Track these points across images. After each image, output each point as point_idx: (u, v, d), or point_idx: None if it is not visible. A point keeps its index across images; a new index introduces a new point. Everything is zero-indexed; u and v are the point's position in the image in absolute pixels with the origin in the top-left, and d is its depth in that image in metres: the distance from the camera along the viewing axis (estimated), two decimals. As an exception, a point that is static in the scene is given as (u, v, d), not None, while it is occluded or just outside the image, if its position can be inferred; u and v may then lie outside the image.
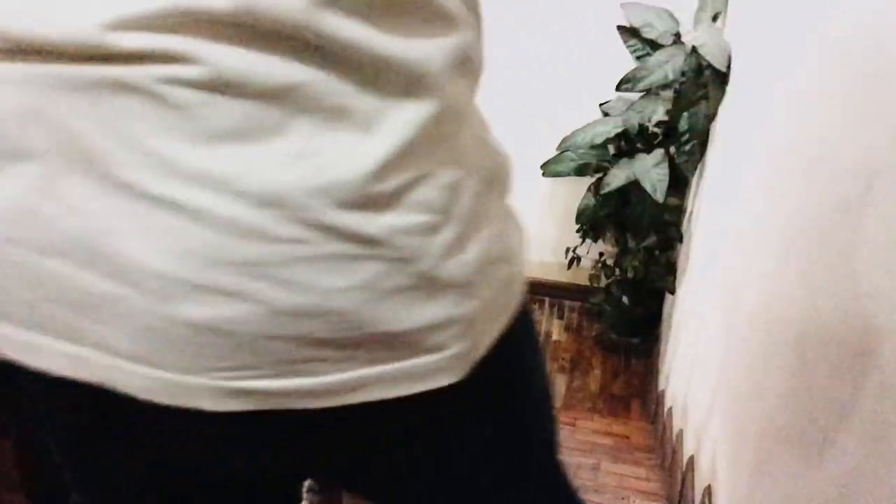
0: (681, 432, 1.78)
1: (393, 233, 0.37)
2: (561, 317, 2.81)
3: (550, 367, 2.53)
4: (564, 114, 2.29)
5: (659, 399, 2.20)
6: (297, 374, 0.38)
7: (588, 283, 2.57)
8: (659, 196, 1.99)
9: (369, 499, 0.56)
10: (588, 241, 2.43)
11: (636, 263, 2.28)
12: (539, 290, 2.76)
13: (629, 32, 2.19)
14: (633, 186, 2.09)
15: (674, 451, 1.81)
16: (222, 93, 0.33)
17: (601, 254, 2.53)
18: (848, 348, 0.81)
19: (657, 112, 2.10)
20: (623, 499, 1.75)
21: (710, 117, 1.91)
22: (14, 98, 0.34)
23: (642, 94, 2.13)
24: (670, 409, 1.99)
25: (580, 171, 2.28)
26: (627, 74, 2.04)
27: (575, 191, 2.38)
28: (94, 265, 0.36)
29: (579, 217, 2.34)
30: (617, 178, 2.09)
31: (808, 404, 0.92)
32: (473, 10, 0.41)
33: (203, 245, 0.35)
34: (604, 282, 2.53)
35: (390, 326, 0.38)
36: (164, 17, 0.32)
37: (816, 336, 0.91)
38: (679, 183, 2.13)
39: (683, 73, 1.93)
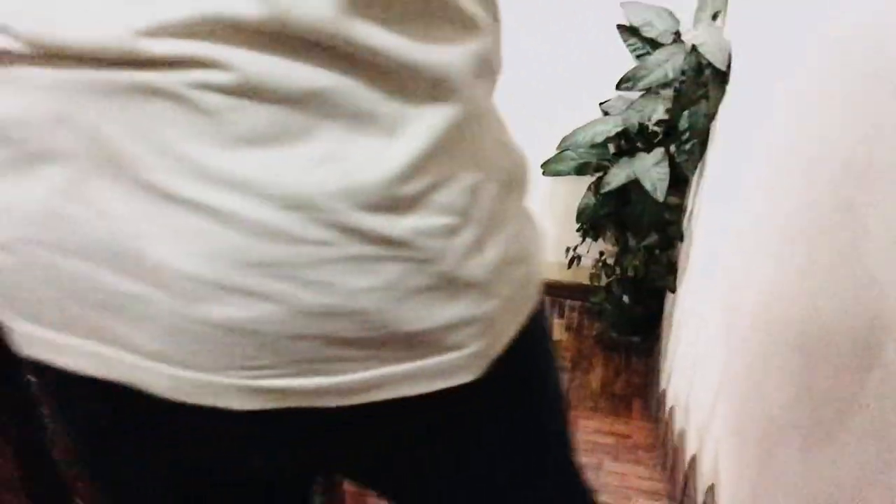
0: (683, 431, 1.78)
1: (415, 234, 0.37)
2: (561, 316, 2.81)
3: (551, 366, 2.52)
4: (564, 113, 2.28)
5: (660, 398, 2.20)
6: (320, 372, 0.39)
7: (588, 282, 2.57)
8: (659, 195, 1.99)
9: (387, 496, 0.57)
10: (588, 240, 2.42)
11: (637, 262, 2.28)
12: (540, 289, 2.76)
13: (629, 31, 2.19)
14: (634, 185, 2.09)
15: (675, 451, 1.81)
16: (251, 98, 0.33)
17: (601, 253, 2.53)
18: (850, 347, 0.81)
19: (657, 111, 2.10)
20: (626, 498, 1.76)
21: (711, 116, 1.91)
22: (43, 102, 0.34)
23: (642, 92, 2.13)
24: (672, 408, 1.99)
25: (580, 170, 2.28)
26: (627, 73, 2.04)
27: (575, 190, 2.38)
28: (122, 267, 0.36)
29: (579, 216, 2.34)
30: (617, 177, 2.09)
31: (810, 404, 0.92)
32: (494, 14, 0.42)
33: (231, 247, 0.35)
34: (604, 281, 2.53)
35: (412, 326, 0.39)
36: (196, 25, 0.32)
37: (818, 335, 0.91)
38: (679, 182, 2.13)
39: (683, 72, 1.93)
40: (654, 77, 1.98)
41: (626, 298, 2.47)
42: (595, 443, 2.04)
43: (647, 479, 1.85)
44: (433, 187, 0.38)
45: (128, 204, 0.35)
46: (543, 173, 2.33)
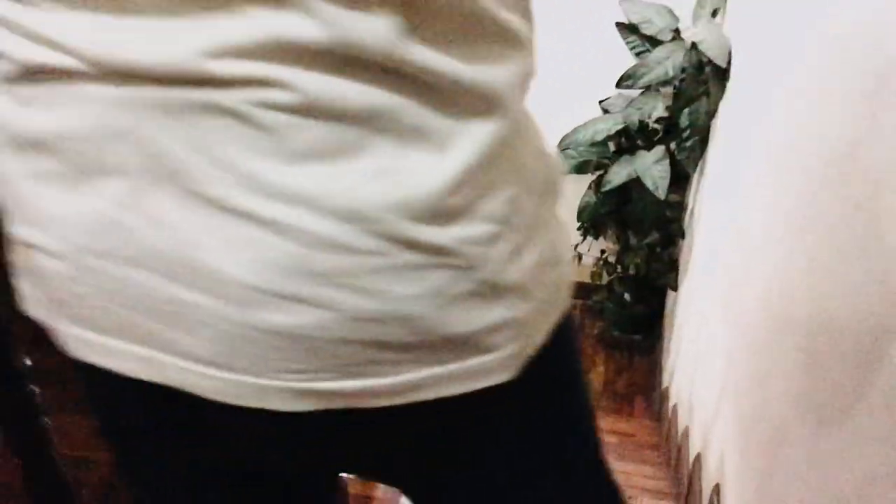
0: (686, 429, 1.77)
1: (461, 243, 0.39)
2: (563, 314, 2.80)
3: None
4: (564, 111, 2.28)
5: (663, 396, 2.20)
6: (366, 375, 0.41)
7: (590, 281, 2.56)
8: (660, 193, 1.99)
9: (409, 494, 0.58)
10: (589, 238, 2.42)
11: (638, 260, 2.28)
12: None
13: (628, 29, 2.19)
14: (634, 183, 2.08)
15: (679, 449, 1.81)
16: (309, 116, 0.35)
17: (602, 251, 2.53)
18: (856, 347, 0.81)
19: (657, 108, 2.09)
20: (631, 497, 1.75)
21: (711, 113, 1.91)
22: (103, 118, 0.36)
23: (642, 90, 2.13)
24: (675, 406, 1.99)
25: (581, 168, 2.28)
26: (628, 71, 2.04)
27: (576, 188, 2.38)
28: (177, 276, 0.38)
29: (580, 215, 2.34)
30: (618, 175, 2.08)
31: (816, 403, 0.91)
32: (532, 26, 0.43)
33: (286, 257, 0.37)
34: (605, 279, 2.52)
35: (455, 329, 0.41)
36: (260, 47, 0.33)
37: (824, 334, 0.91)
38: (680, 179, 2.13)
39: (684, 70, 1.93)
40: (654, 75, 1.98)
41: (627, 297, 2.46)
42: (598, 441, 2.04)
43: (651, 478, 1.84)
44: (478, 197, 0.40)
45: (185, 215, 0.37)
46: (544, 172, 2.32)
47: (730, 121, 1.79)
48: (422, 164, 0.37)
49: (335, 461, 0.53)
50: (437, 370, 0.42)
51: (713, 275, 1.74)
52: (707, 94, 1.88)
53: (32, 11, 0.35)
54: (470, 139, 0.38)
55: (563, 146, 2.25)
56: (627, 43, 2.20)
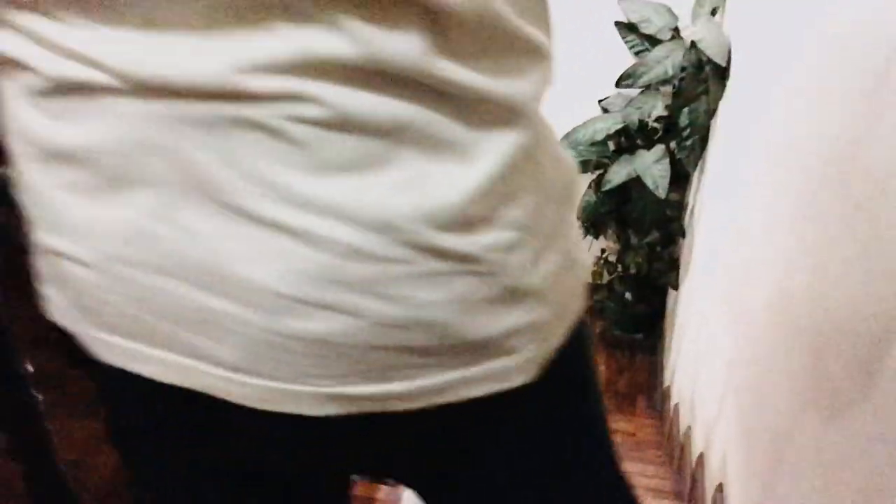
0: (689, 429, 1.77)
1: (485, 250, 0.40)
2: (564, 314, 2.80)
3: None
4: (564, 111, 2.27)
5: (665, 395, 2.20)
6: (392, 379, 0.42)
7: (590, 280, 2.56)
8: (661, 192, 1.99)
9: (427, 496, 0.59)
10: (589, 237, 2.42)
11: (639, 260, 2.28)
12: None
13: (627, 28, 2.18)
14: (634, 183, 2.08)
15: (682, 448, 1.80)
16: (340, 129, 0.36)
17: (603, 250, 2.52)
18: (860, 346, 0.80)
19: (657, 107, 2.09)
20: (633, 497, 1.75)
21: (711, 112, 1.91)
22: (134, 132, 0.36)
23: (641, 89, 2.12)
24: (677, 405, 1.99)
25: (580, 168, 2.27)
26: (627, 70, 2.03)
27: (576, 188, 2.37)
28: (207, 285, 0.39)
29: (580, 214, 2.34)
30: (618, 174, 2.08)
31: (821, 403, 0.91)
32: (551, 37, 0.44)
33: (315, 266, 0.38)
34: (606, 278, 2.52)
35: (477, 333, 0.42)
36: (293, 63, 0.34)
37: (828, 333, 0.91)
38: (680, 178, 2.13)
39: (683, 69, 1.92)
40: (654, 74, 1.97)
41: (628, 296, 2.46)
42: (600, 441, 2.04)
43: (653, 478, 1.84)
44: (501, 206, 0.41)
45: (216, 226, 0.37)
46: (544, 172, 2.32)
47: (730, 119, 1.79)
48: (447, 175, 0.38)
49: (351, 463, 0.54)
50: (459, 373, 0.43)
51: (714, 274, 1.73)
52: (707, 92, 1.88)
53: (63, 27, 0.36)
54: (493, 150, 0.39)
55: (563, 145, 2.25)
56: (626, 42, 2.20)
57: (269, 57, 0.34)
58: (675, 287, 2.25)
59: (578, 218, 2.33)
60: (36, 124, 0.39)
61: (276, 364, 0.40)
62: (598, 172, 2.24)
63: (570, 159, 0.50)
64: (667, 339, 2.34)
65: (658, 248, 2.28)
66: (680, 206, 2.26)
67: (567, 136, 2.23)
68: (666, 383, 2.21)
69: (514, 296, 0.42)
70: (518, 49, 0.40)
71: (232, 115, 0.35)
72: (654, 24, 2.09)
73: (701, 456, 1.58)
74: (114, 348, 0.44)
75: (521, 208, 0.42)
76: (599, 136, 2.16)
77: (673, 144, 2.03)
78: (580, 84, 2.31)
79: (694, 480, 1.60)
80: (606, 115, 2.23)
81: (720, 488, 1.37)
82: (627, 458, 1.94)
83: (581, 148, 2.23)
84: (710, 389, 1.59)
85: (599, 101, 2.31)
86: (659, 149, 2.06)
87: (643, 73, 2.00)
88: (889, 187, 0.77)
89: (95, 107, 0.37)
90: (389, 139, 0.36)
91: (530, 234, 0.43)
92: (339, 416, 0.43)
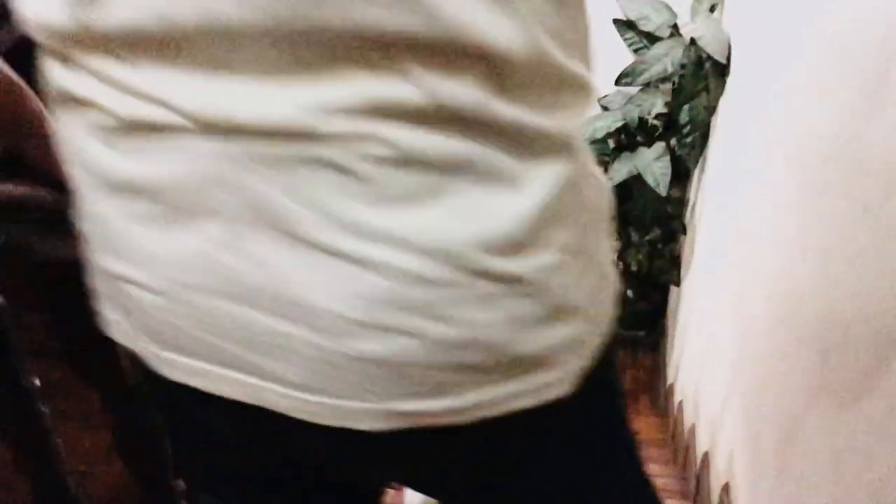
0: (693, 427, 1.77)
1: (533, 271, 0.42)
2: (565, 312, 2.80)
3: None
4: (563, 109, 2.27)
5: (668, 393, 2.20)
6: (447, 394, 0.44)
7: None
8: (662, 190, 1.99)
9: None
10: (590, 236, 2.42)
11: (640, 257, 2.28)
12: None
13: (626, 26, 2.17)
14: (635, 180, 2.08)
15: (687, 448, 1.80)
16: (403, 165, 0.38)
17: (604, 248, 2.52)
18: (870, 344, 0.80)
19: (656, 105, 2.08)
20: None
21: (711, 109, 1.90)
22: (205, 168, 0.38)
23: (640, 87, 2.12)
24: (681, 402, 1.99)
25: (581, 166, 2.27)
26: (626, 68, 2.02)
27: (576, 186, 2.37)
28: (271, 309, 0.41)
29: (581, 213, 2.33)
30: (619, 172, 2.08)
31: (829, 402, 0.91)
32: (591, 67, 0.46)
33: (378, 291, 0.40)
34: (607, 276, 2.51)
35: (525, 349, 0.44)
36: (361, 107, 0.36)
37: (836, 331, 0.90)
38: (680, 175, 2.12)
39: (683, 66, 1.92)
40: (653, 71, 1.97)
41: (630, 293, 2.46)
42: (604, 440, 2.03)
43: (658, 477, 1.84)
44: (547, 230, 0.43)
45: (282, 255, 0.40)
46: (543, 170, 2.31)
47: (730, 116, 1.79)
48: (499, 204, 0.40)
49: (397, 473, 0.57)
50: (509, 388, 0.45)
51: (717, 271, 1.73)
52: (707, 89, 1.87)
53: (134, 70, 0.38)
54: (542, 179, 0.41)
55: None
56: (625, 40, 2.19)
57: (339, 101, 0.36)
58: (677, 284, 2.25)
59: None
60: (104, 158, 0.41)
61: (338, 383, 0.42)
62: (598, 170, 2.23)
63: (604, 179, 0.52)
64: (669, 337, 2.34)
65: (659, 246, 2.27)
66: (681, 204, 2.26)
67: (567, 134, 2.22)
68: (669, 381, 2.21)
69: (558, 313, 0.45)
70: (565, 85, 0.42)
71: (301, 153, 0.37)
72: (652, 22, 2.08)
73: (706, 455, 1.58)
74: (176, 365, 0.46)
75: (565, 232, 0.44)
76: (599, 134, 2.16)
77: (673, 141, 2.03)
78: (579, 82, 2.30)
79: (699, 480, 1.60)
80: (606, 112, 2.22)
81: (726, 488, 1.36)
82: (631, 456, 1.94)
83: (581, 146, 2.22)
84: (714, 387, 1.59)
85: (599, 99, 2.30)
86: (659, 146, 2.05)
87: (643, 71, 1.99)
88: (890, 184, 0.76)
89: (165, 144, 0.39)
90: (447, 173, 0.39)
91: (573, 255, 0.45)
92: (391, 430, 0.45)
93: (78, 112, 0.42)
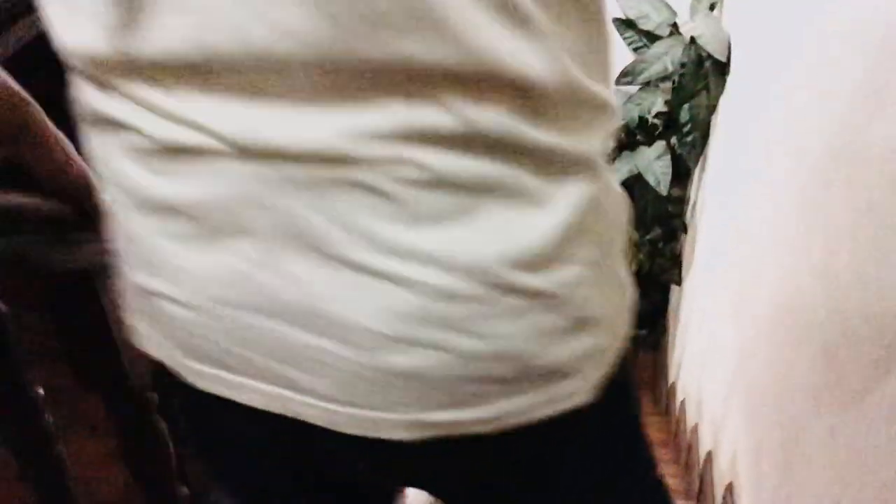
0: (696, 426, 1.77)
1: (557, 285, 0.44)
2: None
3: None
4: (563, 109, 2.27)
5: (670, 392, 2.20)
6: (475, 405, 0.45)
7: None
8: (663, 189, 1.99)
9: None
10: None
11: (641, 256, 2.28)
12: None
13: (625, 24, 2.17)
14: (636, 180, 2.08)
15: (689, 448, 1.80)
16: (434, 187, 0.39)
17: (605, 247, 2.52)
18: (875, 343, 0.80)
19: (656, 103, 2.08)
20: (641, 497, 1.75)
21: (712, 108, 1.90)
22: (240, 190, 0.39)
23: (640, 86, 2.12)
24: (683, 401, 1.99)
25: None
26: (626, 67, 2.02)
27: (576, 186, 2.37)
28: (305, 324, 0.42)
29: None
30: (619, 171, 2.08)
31: (833, 403, 0.91)
32: (610, 87, 0.47)
33: (409, 307, 0.41)
34: (608, 275, 2.52)
35: (549, 360, 0.45)
36: (395, 132, 0.37)
37: (840, 332, 0.90)
38: (681, 174, 2.12)
39: (683, 65, 1.92)
40: (653, 70, 1.97)
41: (631, 292, 2.46)
42: (606, 440, 2.04)
43: (661, 476, 1.84)
44: (571, 246, 0.44)
45: (315, 272, 0.41)
46: (544, 170, 2.31)
47: (730, 115, 1.79)
48: (526, 222, 0.42)
49: (421, 480, 0.59)
50: (533, 397, 0.46)
51: (717, 269, 1.73)
52: (707, 88, 1.87)
53: (170, 94, 0.38)
54: (568, 198, 0.43)
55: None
56: (625, 38, 2.18)
57: (376, 128, 0.37)
58: (678, 283, 2.25)
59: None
60: (140, 179, 0.42)
61: (369, 395, 0.44)
62: (598, 170, 2.23)
63: (622, 194, 0.53)
64: (670, 336, 2.34)
65: (660, 245, 2.28)
66: (681, 203, 2.26)
67: (567, 134, 2.22)
68: (671, 380, 2.21)
69: (581, 324, 0.46)
70: (591, 109, 0.43)
71: (335, 176, 0.38)
72: (652, 20, 2.08)
73: (709, 454, 1.58)
74: (206, 376, 0.48)
75: (588, 247, 0.45)
76: (599, 134, 2.16)
77: (674, 140, 2.03)
78: (579, 82, 2.30)
79: (702, 480, 1.60)
80: (606, 112, 2.22)
81: (730, 488, 1.36)
82: (634, 456, 1.94)
83: (581, 146, 2.22)
84: (715, 386, 1.59)
85: (598, 99, 2.30)
86: (660, 145, 2.05)
87: (642, 70, 1.99)
88: (890, 183, 0.76)
89: (202, 167, 0.40)
90: (478, 193, 0.40)
91: (594, 269, 0.46)
92: (418, 439, 0.46)
93: (113, 134, 0.42)
